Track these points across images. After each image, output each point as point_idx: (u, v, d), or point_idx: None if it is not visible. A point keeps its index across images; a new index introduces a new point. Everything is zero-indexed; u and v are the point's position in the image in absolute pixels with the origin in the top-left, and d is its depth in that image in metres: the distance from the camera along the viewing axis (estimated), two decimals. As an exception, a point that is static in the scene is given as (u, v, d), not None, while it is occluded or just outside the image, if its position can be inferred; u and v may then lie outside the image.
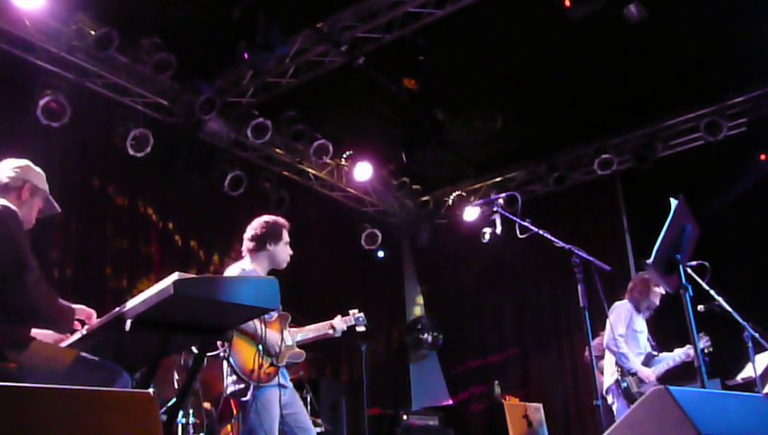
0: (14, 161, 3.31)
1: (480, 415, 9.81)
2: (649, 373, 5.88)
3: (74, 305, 3.19)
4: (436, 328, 10.50)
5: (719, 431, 2.42)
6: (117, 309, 2.98)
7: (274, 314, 4.51)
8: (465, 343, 10.55)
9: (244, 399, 4.30)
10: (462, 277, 10.80)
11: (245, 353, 4.28)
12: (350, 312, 5.08)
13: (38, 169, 3.37)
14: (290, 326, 4.68)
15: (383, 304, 10.67)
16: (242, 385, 4.31)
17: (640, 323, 6.12)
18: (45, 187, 3.37)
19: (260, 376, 4.26)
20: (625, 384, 5.84)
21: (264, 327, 4.26)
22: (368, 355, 6.46)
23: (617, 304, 6.17)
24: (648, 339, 6.18)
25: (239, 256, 4.66)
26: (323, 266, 9.86)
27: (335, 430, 7.37)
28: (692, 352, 6.00)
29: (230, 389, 4.37)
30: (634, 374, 5.86)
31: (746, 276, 7.71)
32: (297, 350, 4.62)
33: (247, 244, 4.57)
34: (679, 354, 6.02)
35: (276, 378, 4.39)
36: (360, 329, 5.12)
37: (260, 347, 4.31)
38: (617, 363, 5.95)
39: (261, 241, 4.52)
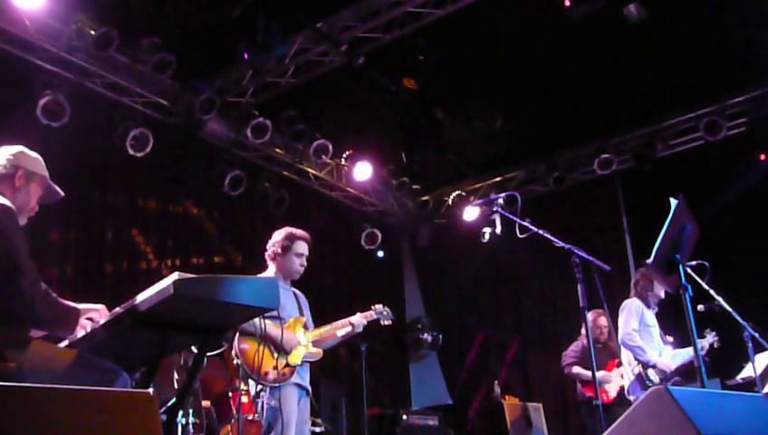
0: (6, 149, 3.26)
1: (480, 415, 9.81)
2: (669, 363, 5.87)
3: (81, 305, 3.14)
4: (436, 328, 10.50)
5: (719, 431, 2.42)
6: (117, 309, 2.98)
7: (289, 317, 4.61)
8: (465, 343, 10.55)
9: (259, 400, 4.43)
10: (462, 277, 10.79)
11: (262, 355, 4.38)
12: (373, 307, 5.15)
13: (34, 155, 3.30)
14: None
15: (383, 304, 10.64)
16: (259, 386, 4.45)
17: (651, 318, 6.11)
18: (44, 172, 3.30)
19: (275, 377, 4.40)
20: (649, 382, 5.80)
21: (264, 326, 4.30)
22: (368, 355, 6.46)
23: (626, 301, 6.17)
24: (661, 334, 6.16)
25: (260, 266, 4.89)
26: (323, 266, 9.85)
27: (335, 430, 7.37)
28: (706, 344, 6.03)
29: (252, 390, 4.55)
30: (653, 367, 5.84)
31: (746, 276, 7.71)
32: (314, 349, 4.68)
33: (267, 253, 4.84)
34: (691, 349, 6.00)
35: (292, 377, 4.50)
36: (387, 323, 5.16)
37: (272, 347, 4.41)
38: (636, 358, 5.93)
39: (273, 253, 4.78)
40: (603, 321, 7.25)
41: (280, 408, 4.29)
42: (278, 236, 4.79)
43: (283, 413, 4.30)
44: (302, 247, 4.76)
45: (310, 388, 4.68)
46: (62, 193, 3.42)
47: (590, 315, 7.10)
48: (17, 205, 3.16)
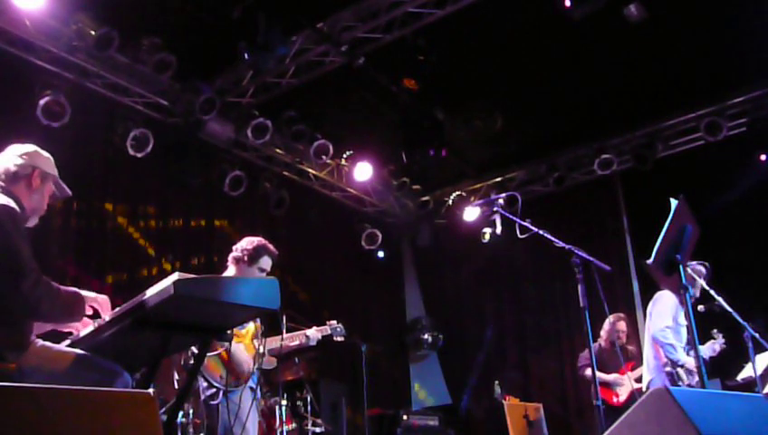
0: (20, 147, 3.22)
1: (480, 415, 9.82)
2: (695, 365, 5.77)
3: (85, 293, 3.09)
4: (436, 328, 10.50)
5: (719, 431, 2.42)
6: (117, 309, 2.98)
7: (249, 324, 4.63)
8: (466, 342, 10.56)
9: (213, 402, 4.41)
10: (462, 277, 10.79)
11: (211, 361, 4.41)
12: (327, 322, 5.23)
13: (46, 154, 3.27)
14: (285, 327, 4.76)
15: (383, 304, 10.67)
16: (212, 390, 4.43)
17: (683, 316, 5.88)
18: (55, 171, 3.28)
19: (230, 381, 4.41)
20: (680, 381, 5.71)
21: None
22: (368, 355, 6.46)
23: (660, 294, 5.95)
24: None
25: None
26: (323, 266, 9.86)
27: (335, 430, 7.37)
28: (717, 347, 5.96)
29: (202, 395, 4.49)
30: (682, 366, 5.72)
31: (746, 276, 7.71)
32: (269, 357, 4.73)
33: (231, 255, 4.71)
34: (705, 350, 5.97)
35: (249, 382, 4.55)
36: (339, 339, 5.21)
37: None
38: (666, 356, 5.81)
39: (238, 258, 4.65)
40: (623, 325, 7.29)
41: (235, 410, 4.31)
42: (249, 243, 4.65)
43: (242, 415, 4.33)
44: (267, 264, 4.64)
45: (259, 392, 4.76)
46: (70, 192, 3.38)
47: (610, 319, 7.21)
48: (32, 205, 3.15)
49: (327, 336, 5.16)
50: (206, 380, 4.40)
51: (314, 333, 5.02)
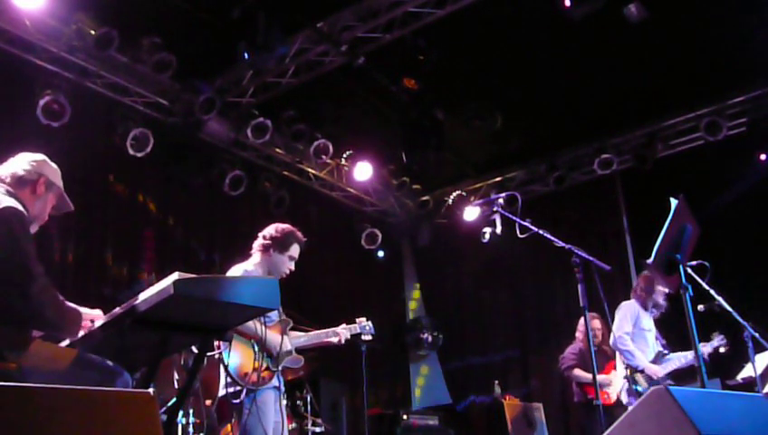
0: (30, 155, 3.27)
1: (480, 415, 9.81)
2: (657, 370, 5.87)
3: (83, 309, 3.14)
4: (436, 328, 10.50)
5: (719, 431, 2.42)
6: (117, 309, 2.98)
7: (275, 319, 4.52)
8: (465, 342, 10.55)
9: (235, 401, 4.29)
10: (462, 277, 10.79)
11: (243, 356, 4.27)
12: (357, 320, 5.06)
13: (54, 166, 3.33)
14: (292, 330, 4.69)
15: (383, 304, 10.66)
16: (234, 388, 4.29)
17: (647, 322, 6.12)
18: (60, 183, 3.33)
19: (255, 379, 4.26)
20: (636, 386, 5.81)
21: (264, 329, 4.25)
22: (368, 355, 6.46)
23: (623, 303, 6.19)
24: (657, 338, 6.17)
25: (242, 257, 4.68)
26: (323, 266, 9.85)
27: (335, 430, 7.37)
28: (706, 350, 6.05)
29: (222, 391, 4.38)
30: (641, 371, 5.86)
31: (746, 276, 7.70)
32: (295, 355, 4.60)
33: (258, 242, 4.59)
34: (690, 354, 6.01)
35: (272, 381, 4.40)
36: (367, 338, 5.09)
37: (256, 348, 4.31)
38: (624, 362, 5.96)
39: (267, 245, 4.54)
40: (597, 323, 7.27)
41: (258, 413, 4.16)
42: (277, 230, 4.54)
43: (263, 419, 4.19)
44: (297, 252, 4.55)
45: (284, 388, 4.58)
46: (72, 207, 3.42)
47: (583, 319, 7.19)
48: (34, 212, 3.18)
49: (356, 335, 5.00)
50: (230, 376, 4.23)
51: (344, 332, 4.86)
